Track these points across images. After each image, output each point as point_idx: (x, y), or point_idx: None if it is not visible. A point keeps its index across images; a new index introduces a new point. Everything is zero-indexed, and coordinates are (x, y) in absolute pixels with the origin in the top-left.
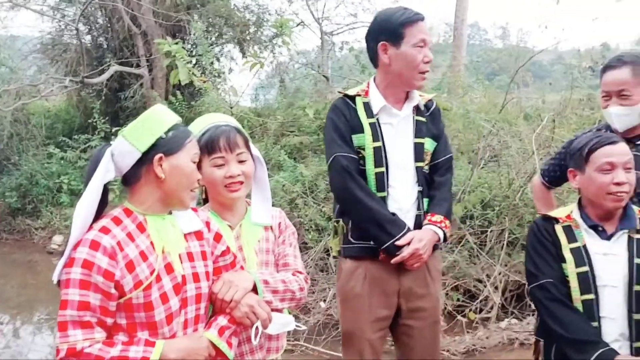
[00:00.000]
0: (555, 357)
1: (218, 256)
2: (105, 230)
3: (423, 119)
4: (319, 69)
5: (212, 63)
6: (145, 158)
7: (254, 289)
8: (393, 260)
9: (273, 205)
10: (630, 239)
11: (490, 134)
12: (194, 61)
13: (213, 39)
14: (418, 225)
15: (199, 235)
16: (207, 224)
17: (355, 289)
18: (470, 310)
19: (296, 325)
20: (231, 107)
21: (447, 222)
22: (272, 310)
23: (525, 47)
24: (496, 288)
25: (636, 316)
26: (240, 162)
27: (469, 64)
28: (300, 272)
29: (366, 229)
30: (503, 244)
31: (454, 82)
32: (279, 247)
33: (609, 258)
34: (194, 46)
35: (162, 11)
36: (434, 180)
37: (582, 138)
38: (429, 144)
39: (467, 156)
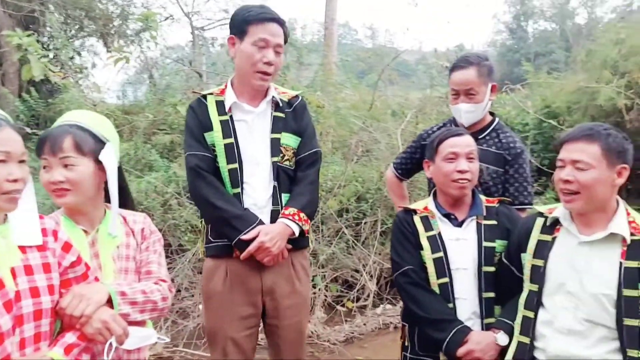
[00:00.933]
0: (418, 338)
1: (67, 267)
2: None
3: (282, 115)
4: (191, 65)
5: (72, 58)
6: None
7: (110, 302)
8: (241, 256)
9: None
10: (478, 224)
11: (362, 130)
12: (51, 55)
13: (73, 32)
14: (275, 220)
15: (41, 245)
16: (55, 232)
17: (216, 288)
18: (348, 299)
19: (158, 338)
20: (94, 105)
21: (303, 214)
22: (132, 323)
23: (393, 47)
24: (371, 276)
25: (485, 295)
26: (66, 166)
27: (339, 63)
28: (164, 281)
29: (217, 227)
30: (376, 234)
31: (326, 80)
32: (141, 254)
33: (460, 243)
34: (51, 39)
35: (12, 0)
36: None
37: (437, 132)
38: (288, 139)
39: (341, 152)
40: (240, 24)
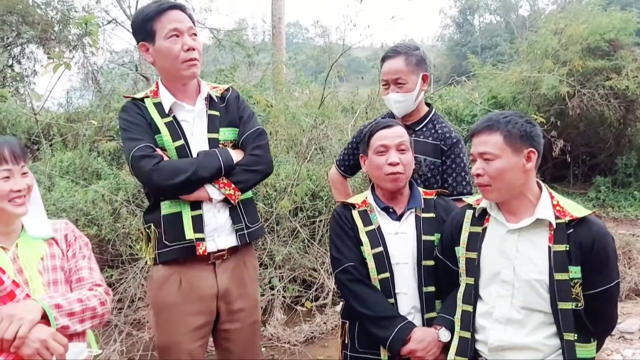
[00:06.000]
0: (359, 336)
1: None
2: None
3: (217, 113)
4: (137, 69)
5: (11, 65)
6: None
7: (45, 318)
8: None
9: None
10: (417, 217)
11: (313, 128)
12: None
13: (10, 39)
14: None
15: None
16: None
17: (168, 299)
18: (307, 299)
19: (89, 351)
20: (35, 114)
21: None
22: (72, 335)
23: (346, 44)
24: (330, 274)
25: (425, 289)
26: (23, 174)
27: (288, 62)
28: (98, 285)
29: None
30: None
31: (276, 80)
32: (69, 262)
33: (399, 237)
34: None
35: None
36: None
37: (368, 126)
38: (226, 134)
39: (293, 150)
40: (143, 27)
